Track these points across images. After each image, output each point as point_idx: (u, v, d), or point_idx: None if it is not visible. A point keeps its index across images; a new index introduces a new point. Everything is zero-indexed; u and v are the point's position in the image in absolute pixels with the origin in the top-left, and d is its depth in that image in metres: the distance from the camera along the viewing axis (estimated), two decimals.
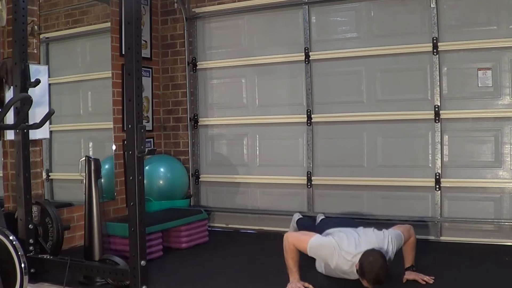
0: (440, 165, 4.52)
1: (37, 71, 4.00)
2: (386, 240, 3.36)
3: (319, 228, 3.81)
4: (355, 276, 3.27)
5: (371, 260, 3.12)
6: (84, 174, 3.77)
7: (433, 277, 3.41)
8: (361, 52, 4.77)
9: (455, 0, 4.46)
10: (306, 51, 4.98)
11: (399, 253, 3.47)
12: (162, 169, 5.14)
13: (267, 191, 5.24)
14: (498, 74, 4.34)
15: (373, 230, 3.46)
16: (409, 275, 3.46)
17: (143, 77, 3.44)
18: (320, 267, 3.64)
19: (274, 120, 5.18)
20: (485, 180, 4.40)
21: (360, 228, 3.54)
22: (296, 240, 3.36)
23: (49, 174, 4.75)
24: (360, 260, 3.16)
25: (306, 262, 3.52)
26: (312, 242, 3.30)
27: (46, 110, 3.87)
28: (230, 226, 5.31)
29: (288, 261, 3.36)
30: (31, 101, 3.37)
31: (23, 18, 3.66)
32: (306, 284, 3.32)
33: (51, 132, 4.52)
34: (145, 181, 3.30)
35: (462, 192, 4.48)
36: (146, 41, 5.43)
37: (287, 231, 4.14)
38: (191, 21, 5.52)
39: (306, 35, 4.98)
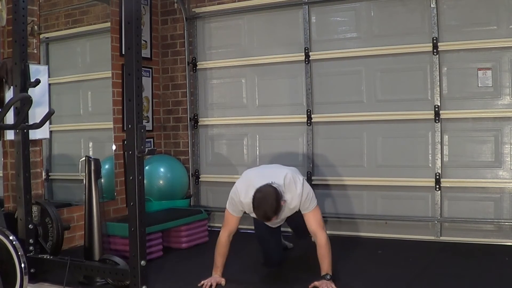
0: (440, 165, 4.52)
1: (37, 71, 4.00)
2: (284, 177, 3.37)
3: None
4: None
5: (260, 196, 3.23)
6: (84, 174, 3.77)
7: None
8: (361, 52, 4.77)
9: (455, 0, 4.46)
10: (306, 51, 4.98)
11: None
12: (162, 169, 5.14)
13: None
14: (498, 74, 4.34)
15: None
16: (318, 283, 3.24)
17: (143, 77, 3.45)
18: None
19: (274, 120, 5.18)
20: (485, 180, 4.40)
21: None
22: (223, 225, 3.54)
23: (49, 174, 4.75)
24: (253, 195, 3.26)
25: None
26: (227, 205, 3.50)
27: (46, 110, 3.86)
28: None
29: (215, 257, 3.48)
30: (31, 101, 3.37)
31: (23, 18, 3.65)
32: (219, 280, 3.41)
33: (51, 132, 4.52)
34: (145, 181, 3.31)
35: (462, 192, 4.48)
36: (146, 41, 5.44)
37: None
38: (191, 21, 5.52)
39: (306, 35, 4.99)
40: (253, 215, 3.42)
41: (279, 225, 3.83)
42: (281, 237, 3.99)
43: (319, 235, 3.36)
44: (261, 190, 3.25)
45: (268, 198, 3.21)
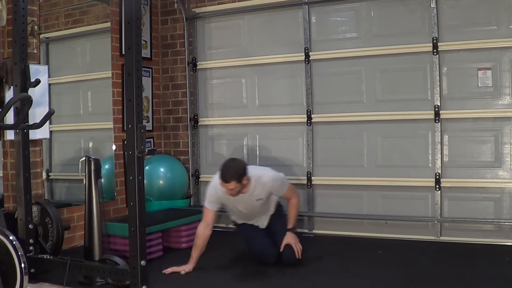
0: (440, 165, 4.52)
1: (37, 71, 4.00)
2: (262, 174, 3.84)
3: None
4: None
5: (228, 160, 3.81)
6: (84, 174, 3.77)
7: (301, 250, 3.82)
8: (361, 52, 4.77)
9: (455, 0, 4.46)
10: (306, 51, 4.98)
11: None
12: (162, 169, 5.14)
13: None
14: (498, 74, 4.34)
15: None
16: (287, 239, 3.81)
17: (143, 77, 3.44)
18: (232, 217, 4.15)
19: (274, 120, 5.18)
20: (485, 180, 4.40)
21: None
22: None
23: (49, 174, 4.75)
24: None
25: None
26: (205, 202, 3.87)
27: (46, 110, 3.87)
28: (230, 226, 5.30)
29: (192, 249, 3.78)
30: (31, 101, 3.37)
31: (23, 18, 3.65)
32: (187, 270, 3.70)
33: (51, 132, 4.52)
34: (145, 181, 3.30)
35: (462, 192, 4.47)
36: (146, 41, 5.44)
37: None
38: (191, 21, 5.52)
39: (306, 35, 4.98)
40: (229, 202, 3.86)
41: (260, 218, 4.04)
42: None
43: (293, 198, 3.96)
44: (230, 159, 3.84)
45: (234, 162, 3.75)
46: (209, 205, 3.83)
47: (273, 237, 3.96)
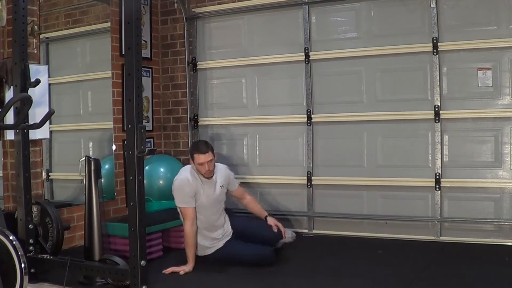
0: (440, 165, 4.52)
1: (37, 71, 4.00)
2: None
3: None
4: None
5: (194, 142, 4.22)
6: (84, 174, 3.78)
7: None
8: (361, 52, 4.77)
9: (455, 0, 4.46)
10: (306, 51, 4.98)
11: None
12: (162, 169, 5.14)
13: (267, 191, 5.23)
14: (498, 74, 4.34)
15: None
16: (272, 221, 4.09)
17: (143, 77, 3.45)
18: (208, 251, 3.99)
19: (274, 120, 5.19)
20: (485, 180, 4.40)
21: None
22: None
23: (49, 174, 4.75)
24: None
25: None
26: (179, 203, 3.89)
27: (46, 110, 3.87)
28: None
29: (186, 250, 3.82)
30: (31, 101, 3.37)
31: (23, 18, 3.66)
32: (187, 270, 3.74)
33: (51, 132, 4.52)
34: (145, 181, 3.31)
35: (462, 192, 4.48)
36: (146, 41, 5.44)
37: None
38: (191, 21, 5.52)
39: (306, 35, 4.99)
40: (199, 191, 3.86)
41: (223, 223, 4.06)
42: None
43: (247, 195, 4.26)
44: (196, 140, 4.15)
45: (201, 140, 4.15)
46: (185, 204, 3.84)
47: (257, 236, 3.98)
